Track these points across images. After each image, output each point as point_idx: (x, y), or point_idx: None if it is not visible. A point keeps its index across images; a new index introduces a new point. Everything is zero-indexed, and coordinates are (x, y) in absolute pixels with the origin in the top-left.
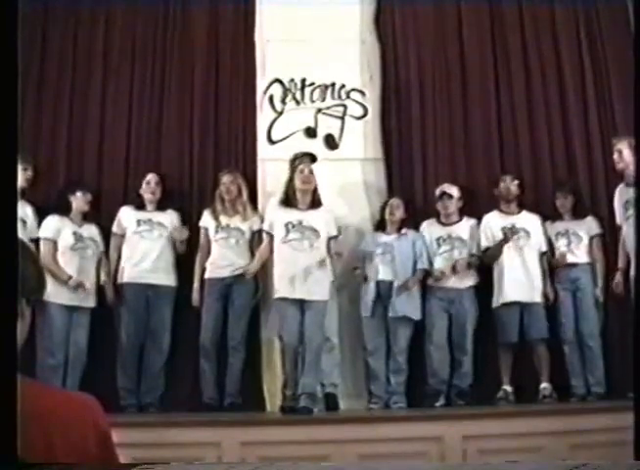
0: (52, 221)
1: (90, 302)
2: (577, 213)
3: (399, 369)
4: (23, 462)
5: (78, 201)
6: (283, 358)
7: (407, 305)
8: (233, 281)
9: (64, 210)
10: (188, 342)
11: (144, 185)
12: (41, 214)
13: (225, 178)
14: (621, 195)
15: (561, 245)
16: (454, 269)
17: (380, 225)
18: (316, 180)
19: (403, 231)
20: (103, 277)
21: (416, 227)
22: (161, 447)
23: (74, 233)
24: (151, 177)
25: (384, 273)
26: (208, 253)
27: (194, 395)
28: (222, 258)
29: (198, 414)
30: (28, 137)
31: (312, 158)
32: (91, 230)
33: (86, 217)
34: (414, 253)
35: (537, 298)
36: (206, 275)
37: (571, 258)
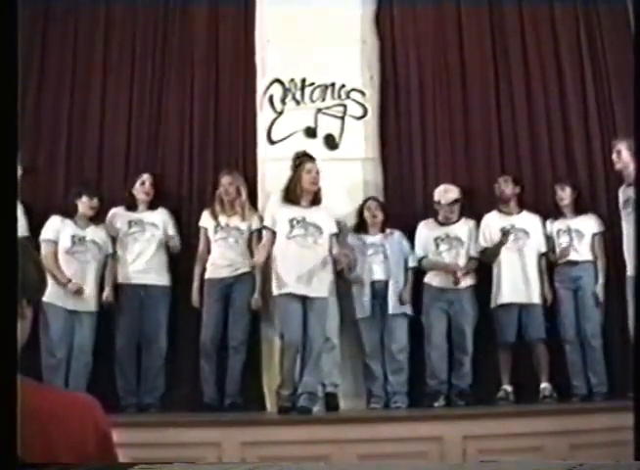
0: (53, 223)
1: (91, 306)
2: (579, 209)
3: (399, 369)
4: (23, 462)
5: (83, 205)
6: (281, 358)
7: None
8: (233, 281)
9: (69, 212)
10: (188, 342)
11: (138, 185)
12: (35, 215)
13: (224, 179)
14: (622, 195)
15: (562, 242)
16: (455, 282)
17: (360, 227)
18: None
19: (388, 231)
20: (107, 279)
21: (397, 227)
22: (161, 447)
23: (73, 236)
24: (146, 177)
25: (378, 273)
26: (208, 253)
27: (194, 395)
28: (222, 258)
29: (198, 414)
30: (28, 137)
31: (310, 158)
32: (97, 233)
33: (93, 220)
34: (403, 252)
35: (535, 299)
36: (207, 275)
37: (573, 255)
